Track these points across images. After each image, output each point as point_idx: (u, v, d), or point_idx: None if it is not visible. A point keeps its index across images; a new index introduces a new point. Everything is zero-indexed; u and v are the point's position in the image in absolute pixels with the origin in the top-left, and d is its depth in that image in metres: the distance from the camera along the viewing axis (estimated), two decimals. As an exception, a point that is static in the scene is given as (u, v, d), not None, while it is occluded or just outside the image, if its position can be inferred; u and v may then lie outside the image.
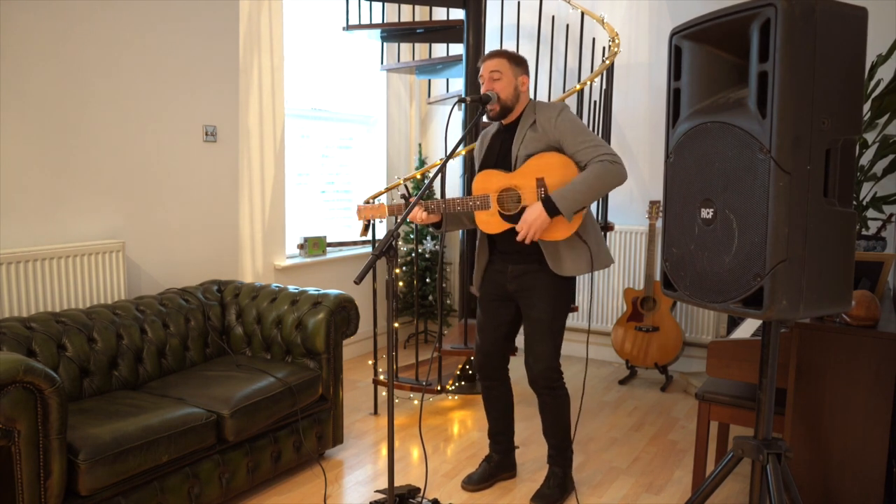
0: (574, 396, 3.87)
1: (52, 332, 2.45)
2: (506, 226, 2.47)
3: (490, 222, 2.49)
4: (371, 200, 2.68)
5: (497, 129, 2.63)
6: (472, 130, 3.83)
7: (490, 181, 2.48)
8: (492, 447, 2.83)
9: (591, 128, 3.93)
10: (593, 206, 3.81)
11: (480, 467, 2.81)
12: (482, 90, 2.50)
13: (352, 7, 4.33)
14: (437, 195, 4.63)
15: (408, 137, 5.13)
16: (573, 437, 2.65)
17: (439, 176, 3.52)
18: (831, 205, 1.50)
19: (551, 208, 2.33)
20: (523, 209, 2.43)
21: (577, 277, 4.53)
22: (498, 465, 2.80)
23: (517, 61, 2.51)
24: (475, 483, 2.76)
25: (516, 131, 2.51)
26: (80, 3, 2.85)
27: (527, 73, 2.53)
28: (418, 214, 2.48)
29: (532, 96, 4.25)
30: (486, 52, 4.26)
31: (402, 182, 3.46)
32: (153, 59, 3.17)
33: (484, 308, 2.68)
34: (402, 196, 2.68)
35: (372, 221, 3.46)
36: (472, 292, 2.75)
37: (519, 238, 2.39)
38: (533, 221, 2.34)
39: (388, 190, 3.60)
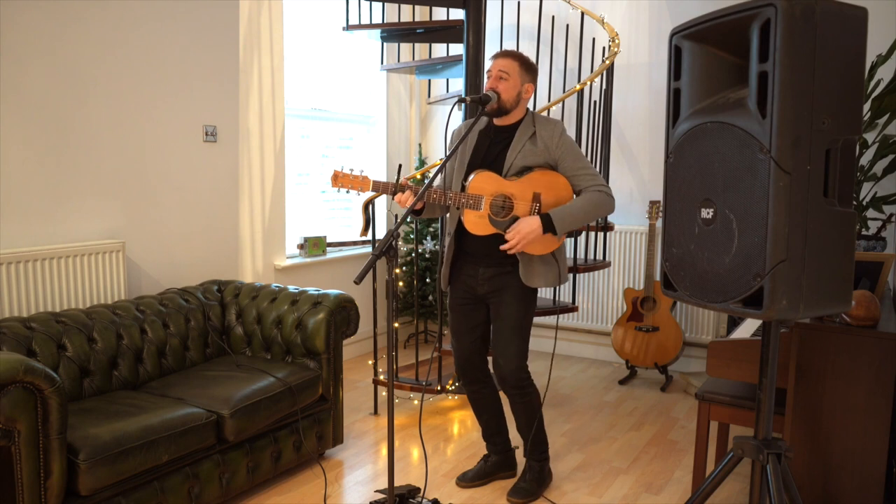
0: (574, 396, 3.87)
1: (52, 332, 2.45)
2: (493, 229, 2.45)
3: (478, 223, 2.47)
4: (357, 186, 2.50)
5: (485, 128, 2.60)
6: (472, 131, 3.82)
7: (487, 183, 2.45)
8: (489, 448, 2.83)
9: (591, 129, 3.93)
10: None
11: (477, 465, 2.82)
12: (486, 86, 2.50)
13: (352, 7, 4.33)
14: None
15: (408, 137, 5.13)
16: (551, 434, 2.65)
17: (439, 176, 3.52)
18: (831, 205, 1.50)
19: (548, 225, 2.37)
20: (514, 217, 2.43)
21: (579, 276, 4.54)
22: (495, 465, 2.80)
23: (528, 68, 2.51)
24: (469, 480, 2.77)
25: (514, 139, 2.49)
26: (80, 4, 2.85)
27: (533, 82, 2.53)
28: (407, 199, 2.44)
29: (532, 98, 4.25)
30: (489, 50, 4.27)
31: (404, 182, 3.46)
32: (153, 59, 3.17)
33: (457, 312, 2.67)
34: (397, 180, 2.61)
35: (372, 220, 3.45)
36: (442, 288, 2.72)
37: (506, 246, 2.40)
38: (527, 234, 2.37)
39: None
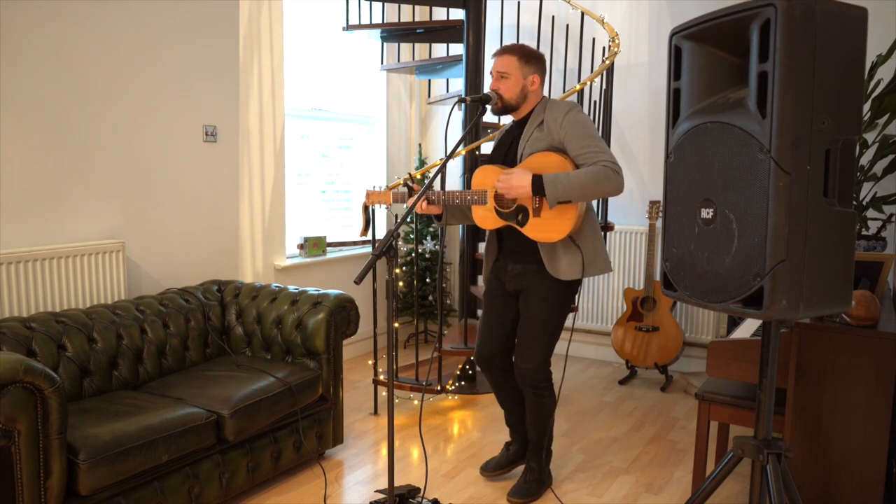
0: (572, 396, 3.87)
1: (52, 332, 2.45)
2: (501, 222, 2.47)
3: (487, 217, 2.49)
4: (382, 200, 2.70)
5: (510, 126, 2.63)
6: (472, 130, 3.83)
7: (488, 177, 2.47)
8: (511, 435, 2.84)
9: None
10: (594, 206, 3.81)
11: (499, 453, 2.84)
12: (490, 86, 2.51)
13: (352, 7, 4.33)
14: (437, 195, 4.63)
15: (408, 137, 5.13)
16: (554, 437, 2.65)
17: (439, 176, 3.52)
18: (831, 205, 1.50)
19: (538, 186, 2.30)
20: (519, 207, 2.42)
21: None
22: (517, 454, 2.82)
23: (528, 59, 2.46)
24: (491, 470, 2.80)
25: (524, 129, 2.50)
26: (80, 3, 2.85)
27: (539, 71, 2.48)
28: (421, 203, 2.50)
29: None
30: (489, 50, 4.28)
31: (402, 182, 3.46)
32: (153, 59, 3.17)
33: (487, 305, 2.68)
34: (405, 183, 2.66)
35: (372, 220, 3.46)
36: (473, 292, 2.75)
37: (496, 184, 2.39)
38: (515, 181, 2.34)
39: (388, 190, 3.59)
